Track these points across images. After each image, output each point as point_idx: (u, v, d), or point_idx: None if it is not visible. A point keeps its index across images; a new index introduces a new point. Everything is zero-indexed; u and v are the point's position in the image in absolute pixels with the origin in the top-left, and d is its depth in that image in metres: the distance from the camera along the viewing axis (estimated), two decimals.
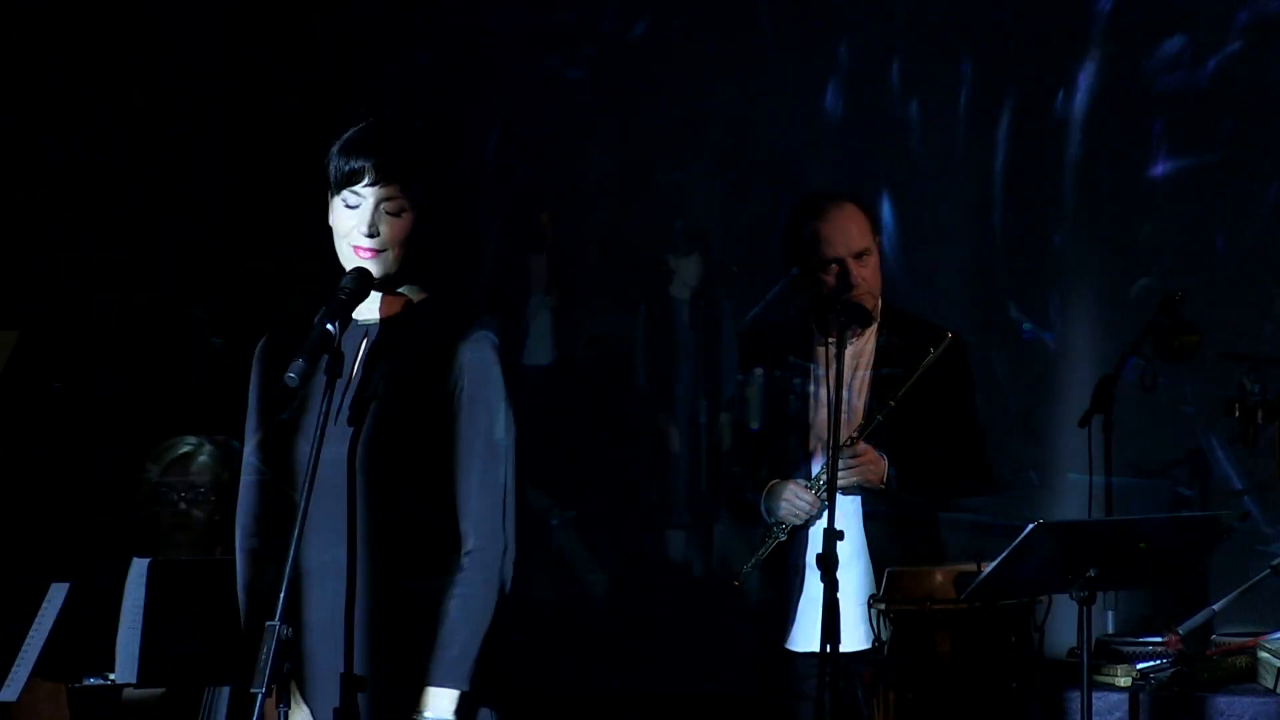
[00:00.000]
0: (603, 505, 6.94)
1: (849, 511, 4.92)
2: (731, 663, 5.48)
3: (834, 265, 4.96)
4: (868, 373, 5.02)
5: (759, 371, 5.14)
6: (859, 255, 4.97)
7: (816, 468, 4.97)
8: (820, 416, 4.98)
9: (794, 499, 4.94)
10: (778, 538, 4.97)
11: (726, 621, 5.49)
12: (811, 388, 5.05)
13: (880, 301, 5.07)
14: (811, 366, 5.06)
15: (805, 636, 4.94)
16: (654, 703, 6.77)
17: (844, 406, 4.92)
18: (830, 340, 4.94)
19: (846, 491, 4.90)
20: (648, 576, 6.90)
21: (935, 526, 5.09)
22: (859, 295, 4.95)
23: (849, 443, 4.89)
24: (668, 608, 6.83)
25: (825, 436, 4.91)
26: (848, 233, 4.97)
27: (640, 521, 6.92)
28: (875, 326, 5.05)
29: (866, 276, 4.98)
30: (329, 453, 3.62)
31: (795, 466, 5.01)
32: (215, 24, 7.09)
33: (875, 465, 4.91)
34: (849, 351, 4.95)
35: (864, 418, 4.95)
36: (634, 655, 6.85)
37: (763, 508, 5.01)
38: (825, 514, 4.83)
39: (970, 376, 5.10)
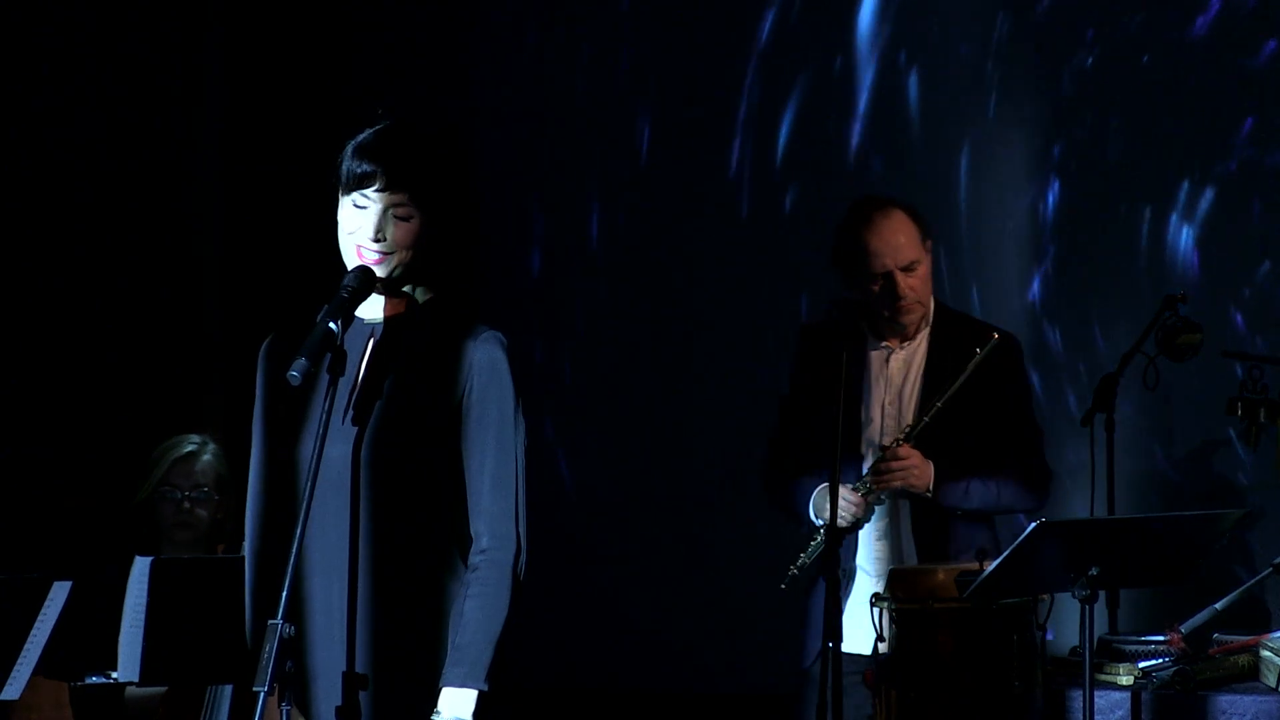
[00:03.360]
0: (630, 501, 6.92)
1: (900, 515, 4.91)
2: (753, 663, 5.46)
3: (881, 278, 4.93)
4: (919, 375, 5.00)
5: (812, 371, 5.08)
6: (907, 267, 4.94)
7: (866, 470, 4.95)
8: (872, 419, 4.97)
9: (840, 501, 4.89)
10: (825, 540, 4.92)
11: (725, 620, 5.49)
12: (864, 390, 5.02)
13: (933, 306, 5.04)
14: (864, 370, 5.02)
15: (853, 638, 4.89)
16: (654, 702, 6.77)
17: (895, 412, 4.92)
18: (884, 344, 4.94)
19: (894, 496, 4.89)
20: (679, 575, 6.87)
21: (993, 529, 5.05)
22: (907, 305, 4.92)
23: (895, 444, 4.87)
24: (668, 605, 6.82)
25: (877, 440, 4.91)
26: (895, 244, 4.93)
27: (670, 517, 6.88)
28: (928, 331, 5.02)
29: (915, 286, 4.94)
30: (333, 452, 3.62)
31: (845, 468, 4.95)
32: (215, 22, 7.09)
33: (920, 469, 4.88)
34: (900, 356, 4.97)
35: (913, 422, 4.93)
36: (654, 654, 6.85)
37: (811, 510, 4.98)
38: (874, 517, 4.84)
39: (1023, 377, 5.06)
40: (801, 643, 5.07)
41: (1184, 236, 6.36)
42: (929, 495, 4.89)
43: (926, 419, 4.87)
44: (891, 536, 4.94)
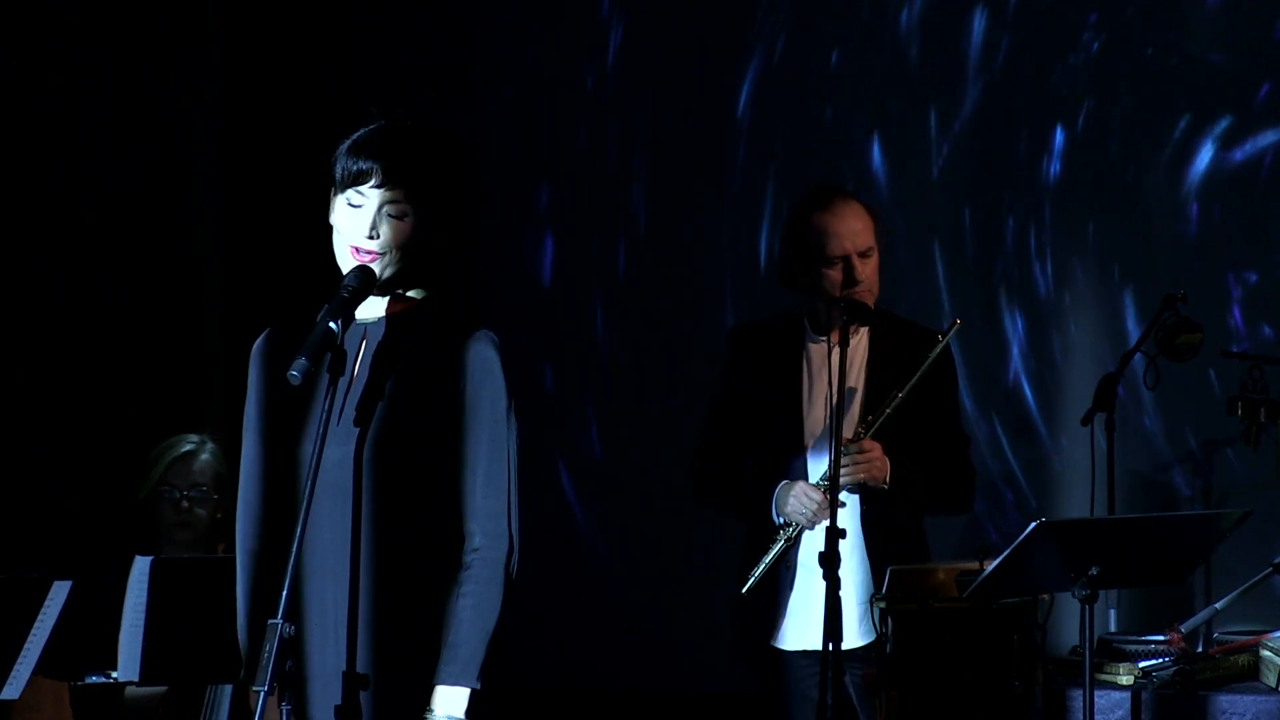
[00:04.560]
0: (630, 501, 6.92)
1: (848, 509, 4.91)
2: (731, 662, 5.47)
3: (840, 262, 4.95)
4: (862, 371, 5.01)
5: (748, 367, 5.11)
6: (864, 253, 4.97)
7: (812, 464, 4.95)
8: (814, 414, 4.97)
9: (803, 496, 4.90)
10: (787, 538, 4.93)
11: (725, 620, 5.47)
12: (806, 384, 5.03)
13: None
14: (804, 363, 5.04)
15: (797, 634, 4.93)
16: (654, 701, 6.77)
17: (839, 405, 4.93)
18: (825, 338, 4.94)
19: (850, 490, 4.89)
20: (647, 574, 6.89)
21: (922, 525, 5.07)
22: (861, 293, 4.94)
23: (857, 437, 4.88)
24: (667, 605, 6.82)
25: (819, 433, 4.91)
26: (855, 229, 4.96)
27: (669, 518, 6.88)
28: (868, 327, 5.04)
29: (869, 275, 4.97)
30: (332, 452, 3.61)
31: (787, 464, 4.98)
32: (215, 22, 7.10)
33: (881, 463, 4.88)
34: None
35: (865, 415, 4.93)
36: (633, 653, 6.85)
37: (774, 509, 4.98)
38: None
39: (955, 377, 5.09)
40: (741, 638, 5.08)
41: (1192, 210, 6.36)
42: (885, 488, 4.90)
43: (890, 410, 4.88)
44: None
